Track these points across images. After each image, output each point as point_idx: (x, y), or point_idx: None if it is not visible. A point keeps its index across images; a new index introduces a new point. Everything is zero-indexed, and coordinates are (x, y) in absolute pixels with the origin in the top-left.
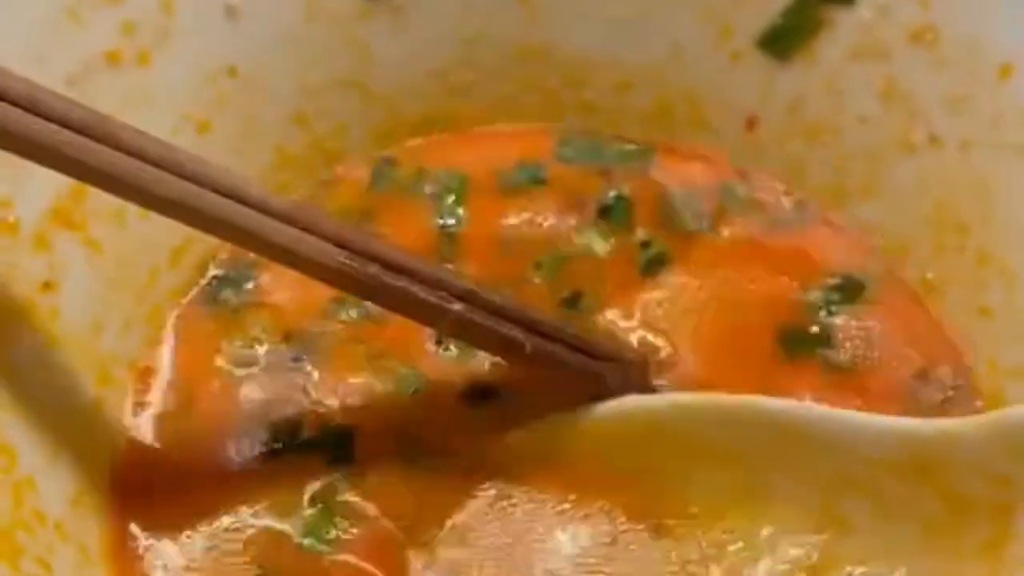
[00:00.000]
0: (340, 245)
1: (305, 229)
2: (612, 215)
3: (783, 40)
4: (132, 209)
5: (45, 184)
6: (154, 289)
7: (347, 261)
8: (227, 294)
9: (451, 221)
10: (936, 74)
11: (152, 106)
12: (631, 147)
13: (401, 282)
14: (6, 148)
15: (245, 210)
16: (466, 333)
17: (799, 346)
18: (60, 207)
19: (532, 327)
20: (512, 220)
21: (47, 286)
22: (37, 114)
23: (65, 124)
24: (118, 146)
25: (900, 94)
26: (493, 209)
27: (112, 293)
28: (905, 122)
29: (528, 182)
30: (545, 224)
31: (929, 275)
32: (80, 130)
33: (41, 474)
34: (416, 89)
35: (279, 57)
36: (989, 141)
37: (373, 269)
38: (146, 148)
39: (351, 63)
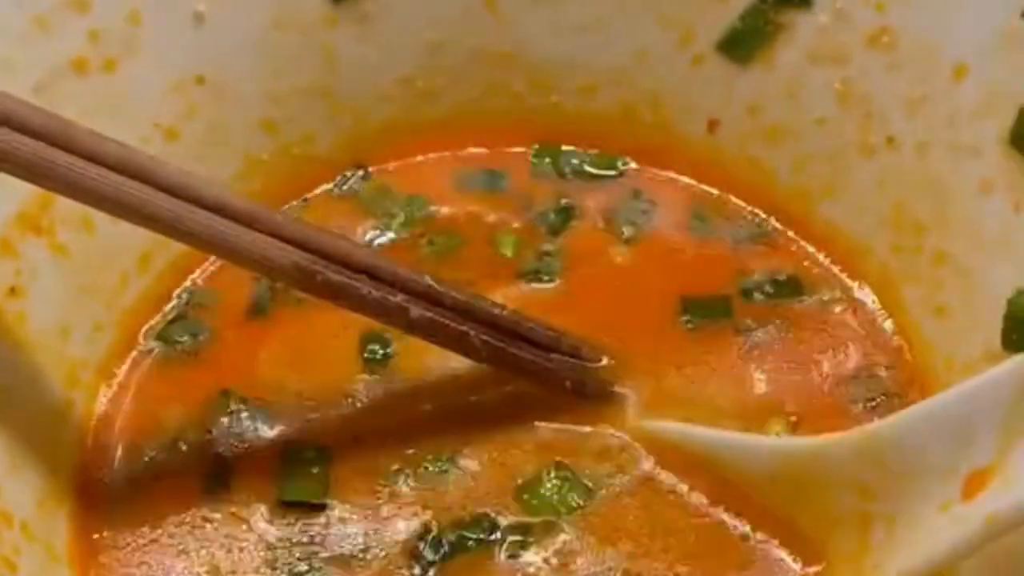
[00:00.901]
0: (299, 246)
1: (264, 230)
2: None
3: (742, 44)
4: (101, 214)
5: (11, 189)
6: (124, 294)
7: (306, 263)
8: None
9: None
10: (893, 76)
11: (120, 114)
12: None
13: (362, 283)
14: None
15: (203, 214)
16: (426, 331)
17: (704, 314)
18: (27, 212)
19: (492, 324)
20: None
21: (13, 291)
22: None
23: (25, 129)
24: (79, 151)
25: (858, 96)
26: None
27: (81, 298)
28: (863, 124)
29: (487, 187)
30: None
31: (887, 275)
32: (40, 135)
33: (7, 475)
34: (384, 95)
35: (246, 65)
36: (945, 142)
37: (333, 269)
38: (107, 152)
39: (318, 70)
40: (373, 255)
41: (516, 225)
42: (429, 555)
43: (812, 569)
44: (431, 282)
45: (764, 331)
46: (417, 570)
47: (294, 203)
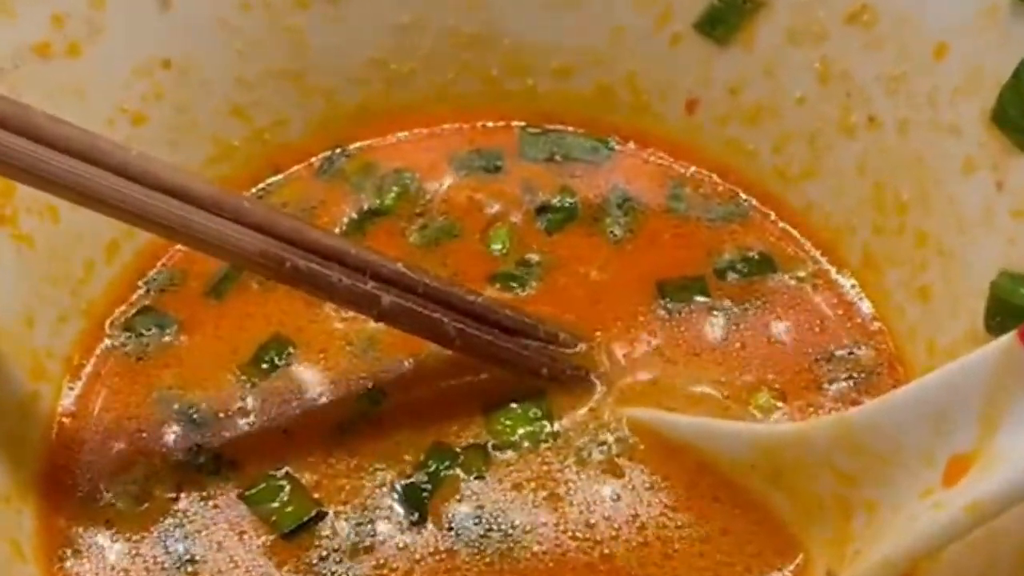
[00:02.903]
0: (267, 232)
1: (230, 216)
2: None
3: (721, 23)
4: (65, 204)
5: None
6: (90, 284)
7: (273, 250)
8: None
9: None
10: (873, 55)
11: (84, 99)
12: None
13: (332, 270)
14: None
15: (167, 200)
16: (398, 320)
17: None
18: None
19: (465, 311)
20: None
21: None
22: None
23: None
24: (38, 137)
25: (837, 75)
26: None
27: (45, 288)
28: (843, 103)
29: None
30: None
31: (869, 255)
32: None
33: None
34: (355, 78)
35: (214, 48)
36: (926, 120)
37: (301, 255)
38: (68, 137)
39: (288, 53)
40: (343, 241)
41: (514, 220)
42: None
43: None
44: (404, 269)
45: (741, 309)
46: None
47: (272, 180)
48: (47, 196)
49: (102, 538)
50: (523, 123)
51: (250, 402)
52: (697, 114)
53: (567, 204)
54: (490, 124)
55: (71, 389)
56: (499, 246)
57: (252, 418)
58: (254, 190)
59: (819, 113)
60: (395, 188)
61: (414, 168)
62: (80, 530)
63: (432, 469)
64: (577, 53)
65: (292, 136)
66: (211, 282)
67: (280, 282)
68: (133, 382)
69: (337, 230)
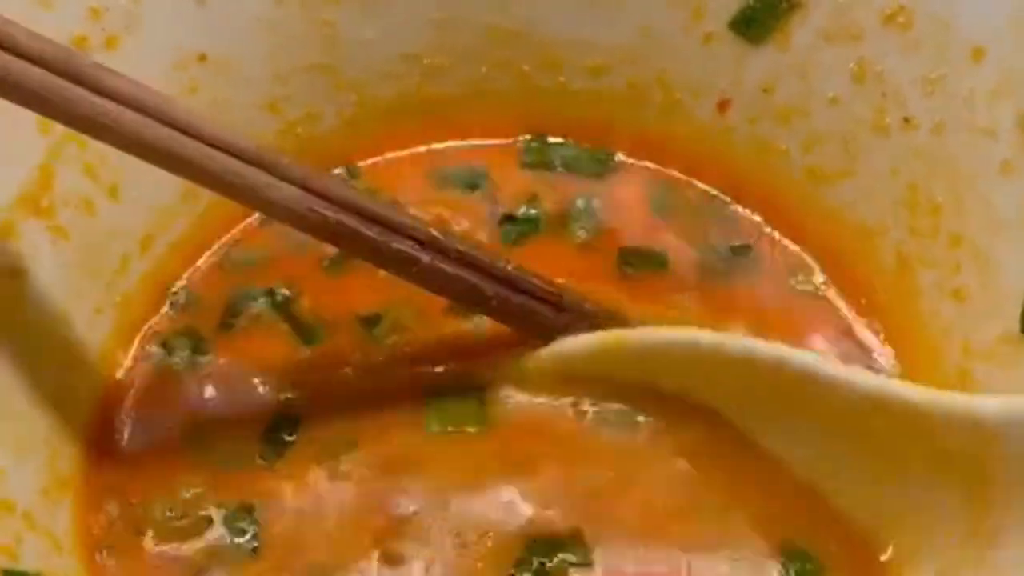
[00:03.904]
0: (311, 191)
1: (275, 174)
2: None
3: (755, 22)
4: (101, 196)
5: (12, 171)
6: (125, 277)
7: (318, 208)
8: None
9: None
10: (909, 56)
11: None
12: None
13: (372, 231)
14: None
15: (217, 154)
16: (433, 282)
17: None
18: (27, 194)
19: (497, 276)
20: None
21: (14, 274)
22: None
23: (38, 62)
24: (90, 86)
25: (873, 76)
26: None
27: (81, 281)
28: (878, 104)
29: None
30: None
31: (902, 257)
32: (53, 69)
33: (10, 463)
34: (388, 73)
35: (249, 42)
36: (962, 123)
37: (344, 216)
38: (119, 88)
39: (321, 47)
40: (381, 203)
41: (481, 237)
42: None
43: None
44: (437, 233)
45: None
46: None
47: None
48: (84, 189)
49: (139, 533)
50: (531, 134)
51: None
52: (728, 114)
53: (531, 214)
54: (514, 125)
55: (107, 383)
56: None
57: None
58: None
59: (853, 114)
60: None
61: (402, 193)
62: (118, 526)
63: None
64: (610, 51)
65: (324, 130)
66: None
67: (321, 239)
68: (169, 380)
69: None
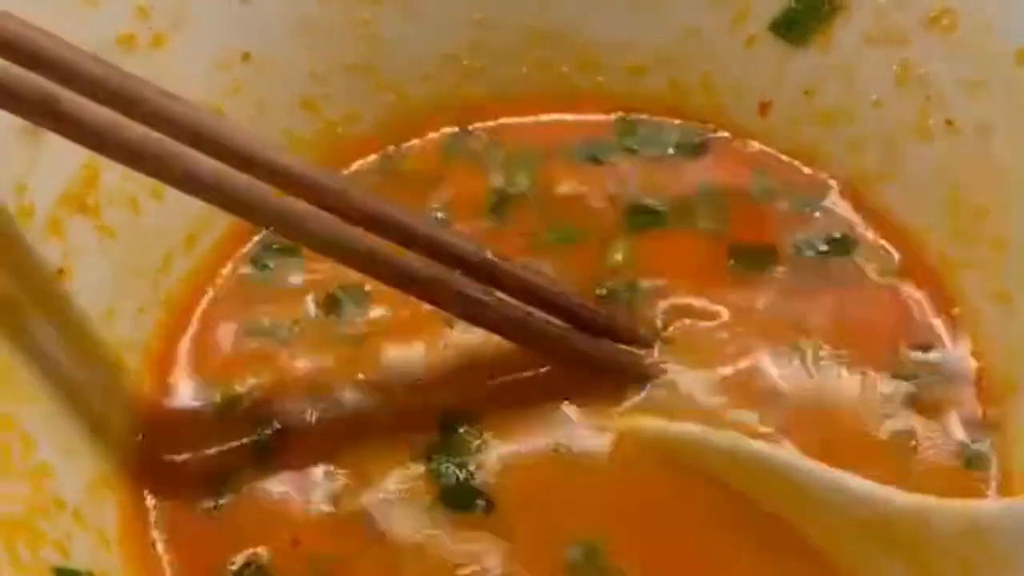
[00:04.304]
0: (371, 223)
1: (334, 208)
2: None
3: (797, 25)
4: (145, 195)
5: (58, 169)
6: (168, 275)
7: (385, 252)
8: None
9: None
10: (953, 59)
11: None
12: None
13: (444, 275)
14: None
15: (286, 205)
16: (502, 328)
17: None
18: (73, 192)
19: (573, 316)
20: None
21: (61, 272)
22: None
23: (99, 88)
24: (149, 113)
25: (916, 79)
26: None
27: (126, 279)
28: (921, 107)
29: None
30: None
31: (946, 259)
32: (114, 95)
33: (58, 460)
34: (427, 73)
35: (291, 42)
36: (1006, 126)
37: (413, 259)
38: (175, 112)
39: (361, 47)
40: (434, 225)
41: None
42: None
43: None
44: (490, 256)
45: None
46: None
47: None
48: (128, 187)
49: (187, 526)
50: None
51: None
52: (770, 115)
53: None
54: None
55: (151, 381)
56: (619, 257)
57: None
58: None
59: (896, 116)
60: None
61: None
62: (165, 520)
63: None
64: (650, 52)
65: (362, 129)
66: None
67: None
68: (214, 375)
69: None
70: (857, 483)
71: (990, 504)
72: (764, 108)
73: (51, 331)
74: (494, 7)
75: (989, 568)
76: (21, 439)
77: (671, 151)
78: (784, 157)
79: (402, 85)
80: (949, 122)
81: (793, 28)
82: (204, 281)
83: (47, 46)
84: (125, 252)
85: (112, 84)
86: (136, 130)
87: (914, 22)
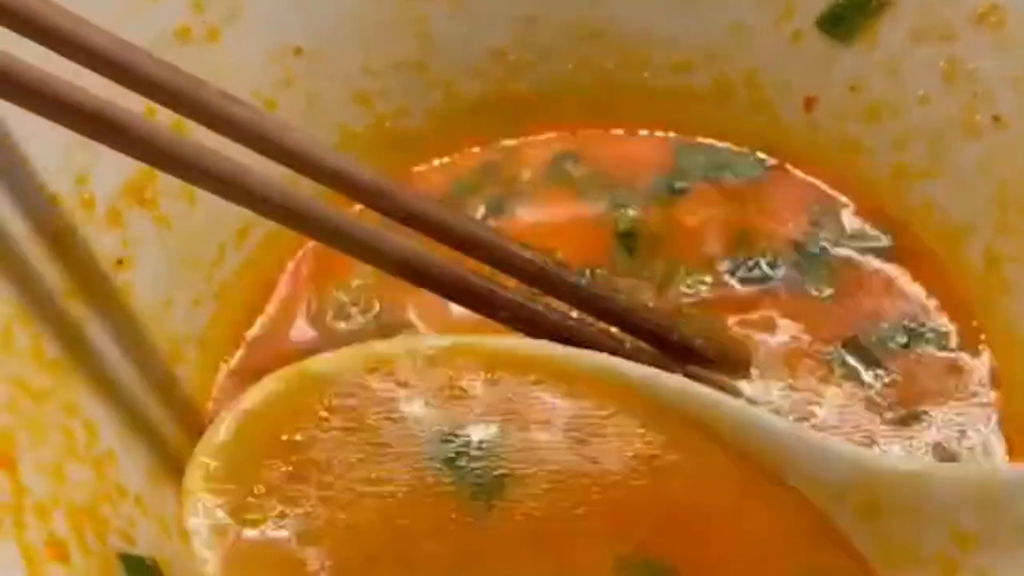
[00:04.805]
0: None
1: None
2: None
3: (843, 21)
4: None
5: (118, 160)
6: (222, 267)
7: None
8: None
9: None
10: (1001, 55)
11: (220, 83)
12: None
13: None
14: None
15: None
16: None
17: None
18: (132, 183)
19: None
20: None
21: (121, 263)
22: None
23: (157, 89)
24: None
25: (963, 75)
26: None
27: (182, 271)
28: (968, 103)
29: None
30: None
31: (991, 253)
32: (173, 96)
33: (120, 448)
34: (474, 69)
35: (342, 37)
36: None
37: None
38: (237, 115)
39: (411, 43)
40: (522, 249)
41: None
42: None
43: None
44: (594, 289)
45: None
46: None
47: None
48: None
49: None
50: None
51: None
52: (815, 111)
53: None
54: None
55: (207, 370)
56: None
57: None
58: None
59: (942, 112)
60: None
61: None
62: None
63: None
64: (695, 49)
65: (412, 125)
66: None
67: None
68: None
69: None
70: (844, 446)
71: (1000, 467)
72: (809, 104)
73: (110, 321)
74: (540, 3)
75: (989, 537)
76: (84, 426)
77: None
78: None
79: (450, 81)
80: (996, 118)
81: (839, 24)
82: (257, 275)
83: (104, 44)
84: (181, 243)
85: (171, 86)
86: (189, 147)
87: (961, 19)
